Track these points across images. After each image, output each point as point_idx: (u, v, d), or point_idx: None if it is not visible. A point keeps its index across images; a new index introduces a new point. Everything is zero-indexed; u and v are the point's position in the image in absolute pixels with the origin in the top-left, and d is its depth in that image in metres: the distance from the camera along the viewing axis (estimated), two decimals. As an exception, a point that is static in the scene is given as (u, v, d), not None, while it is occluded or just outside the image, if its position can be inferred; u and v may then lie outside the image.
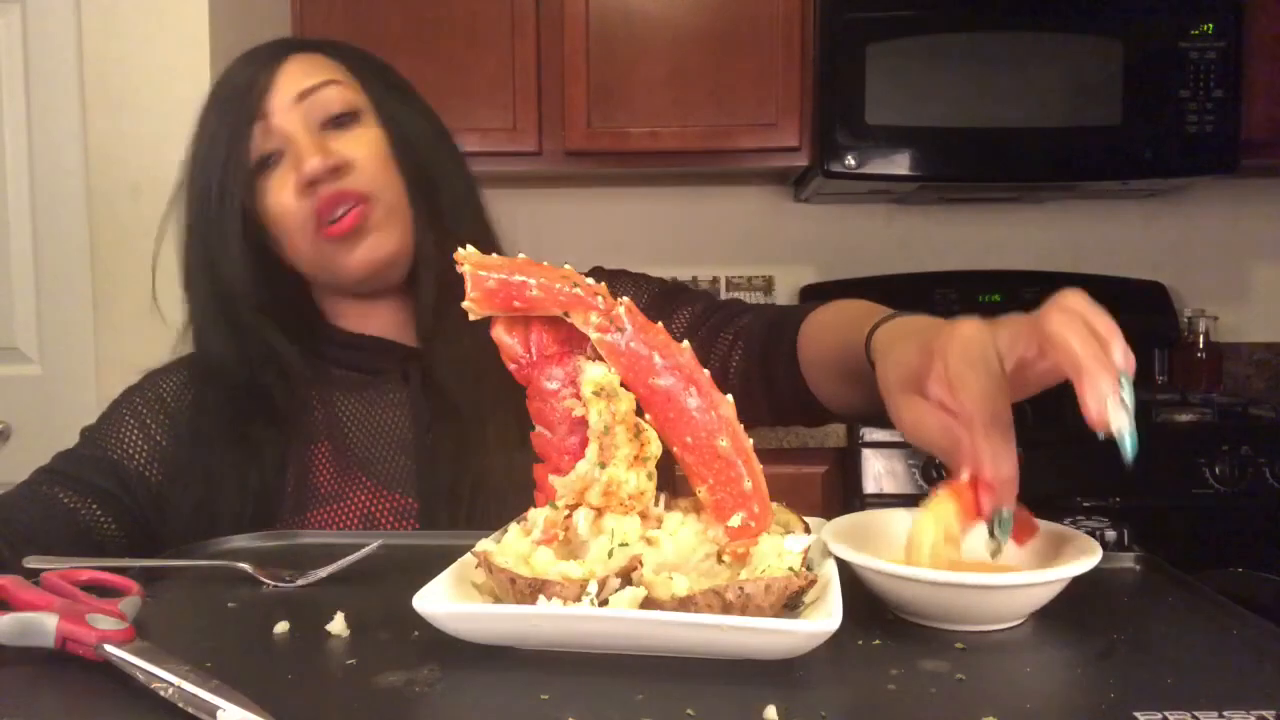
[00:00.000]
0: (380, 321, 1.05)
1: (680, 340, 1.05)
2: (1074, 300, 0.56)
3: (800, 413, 0.96)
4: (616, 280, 1.09)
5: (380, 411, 1.01)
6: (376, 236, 0.97)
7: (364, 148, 0.97)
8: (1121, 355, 0.53)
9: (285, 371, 0.99)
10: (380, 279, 1.00)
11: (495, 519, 0.68)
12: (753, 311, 1.04)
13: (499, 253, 1.06)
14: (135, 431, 0.98)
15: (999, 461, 0.56)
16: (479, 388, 0.96)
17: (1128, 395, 0.51)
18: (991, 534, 0.59)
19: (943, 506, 0.59)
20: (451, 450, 0.97)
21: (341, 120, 0.97)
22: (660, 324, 0.62)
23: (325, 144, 0.95)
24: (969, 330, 0.58)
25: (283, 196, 0.95)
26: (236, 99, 0.96)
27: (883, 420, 0.70)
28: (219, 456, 0.95)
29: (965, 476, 0.58)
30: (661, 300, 1.07)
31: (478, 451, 0.96)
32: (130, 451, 0.97)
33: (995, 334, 0.59)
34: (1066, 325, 0.54)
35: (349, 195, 0.95)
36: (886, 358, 0.68)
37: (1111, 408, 0.51)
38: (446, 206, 1.01)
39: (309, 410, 1.00)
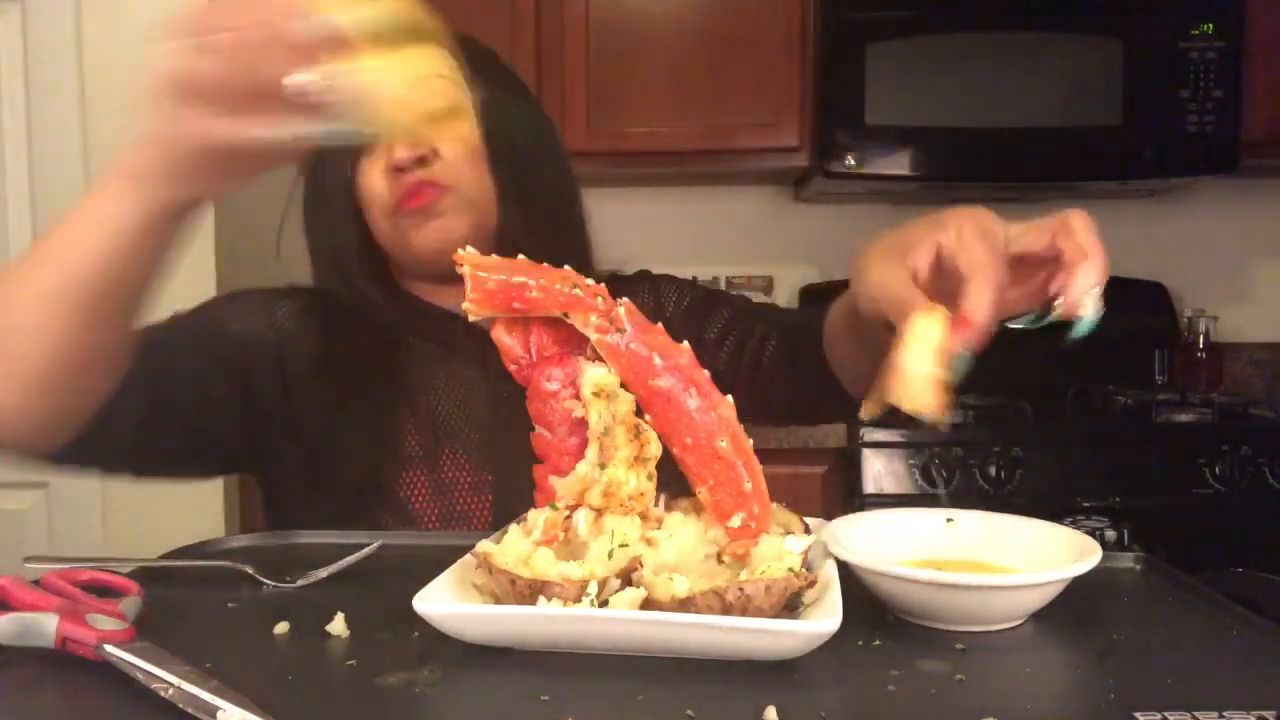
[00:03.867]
0: (455, 305, 1.07)
1: (720, 338, 1.10)
2: (1083, 217, 0.63)
3: (822, 394, 0.99)
4: (663, 283, 1.20)
5: (457, 387, 1.04)
6: (444, 221, 1.01)
7: (454, 141, 1.01)
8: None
9: (377, 328, 1.03)
10: (445, 261, 1.02)
11: None
12: (786, 311, 1.13)
13: (588, 257, 1.11)
14: (212, 311, 1.02)
15: (985, 308, 0.60)
16: None
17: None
18: (950, 366, 0.60)
19: (935, 320, 0.60)
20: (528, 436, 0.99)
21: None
22: (659, 326, 0.62)
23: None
24: (982, 210, 0.66)
25: (372, 176, 1.01)
26: None
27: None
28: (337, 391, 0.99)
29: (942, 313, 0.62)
30: (702, 301, 1.15)
31: None
32: (230, 324, 1.01)
33: (1007, 224, 0.65)
34: (1085, 222, 0.62)
35: (428, 184, 0.99)
36: (868, 247, 0.73)
37: (1091, 296, 0.60)
38: (541, 206, 1.07)
39: (392, 373, 1.03)
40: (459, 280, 1.03)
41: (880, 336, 0.81)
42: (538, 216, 1.05)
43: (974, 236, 0.63)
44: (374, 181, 1.01)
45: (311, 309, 1.07)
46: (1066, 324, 0.63)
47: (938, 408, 0.59)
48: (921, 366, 0.59)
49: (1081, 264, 0.60)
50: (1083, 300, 0.60)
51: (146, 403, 0.86)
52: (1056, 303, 0.61)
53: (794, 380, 1.02)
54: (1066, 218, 0.63)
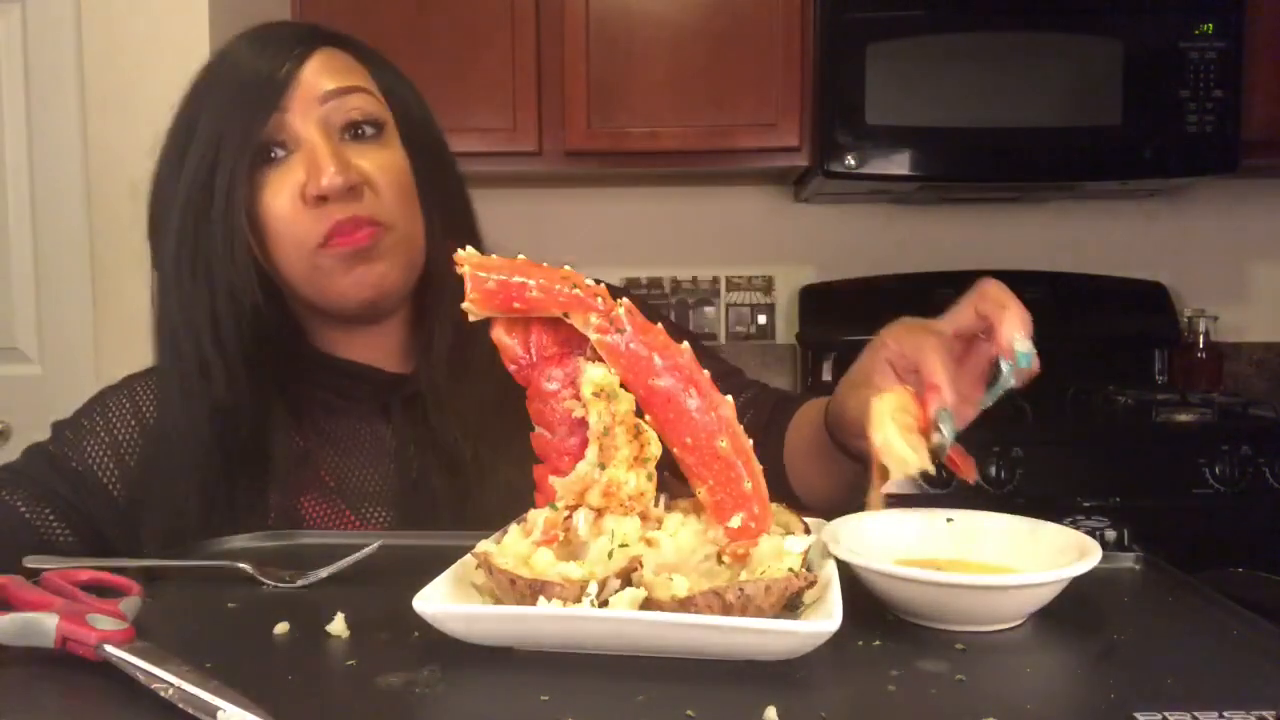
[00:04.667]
0: (360, 346, 0.98)
1: None
2: (995, 282, 0.70)
3: (774, 479, 0.99)
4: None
5: (360, 446, 0.96)
6: (384, 265, 0.90)
7: (385, 171, 0.91)
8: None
9: (263, 404, 0.91)
10: (372, 309, 0.94)
11: None
12: (758, 386, 1.07)
13: None
14: (103, 444, 0.94)
15: (938, 369, 0.67)
16: (481, 432, 0.92)
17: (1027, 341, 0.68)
18: (937, 428, 0.66)
19: (896, 394, 0.67)
20: (444, 492, 0.92)
21: (362, 131, 0.91)
22: (659, 326, 0.62)
23: (345, 157, 0.88)
24: (907, 318, 0.73)
25: (283, 199, 0.88)
26: (253, 87, 0.87)
27: (838, 504, 0.84)
28: (195, 485, 0.89)
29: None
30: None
31: (472, 494, 0.91)
32: (93, 465, 0.93)
33: (936, 320, 0.72)
34: (997, 285, 0.69)
35: (364, 221, 0.88)
36: (842, 382, 0.80)
37: (1018, 338, 0.66)
38: (460, 233, 0.96)
39: (288, 441, 0.93)
40: (372, 323, 0.96)
41: (850, 469, 0.85)
42: (460, 242, 0.96)
43: (908, 334, 0.71)
44: (287, 210, 0.87)
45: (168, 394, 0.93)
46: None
47: (920, 460, 0.64)
48: (886, 433, 0.65)
49: (1002, 314, 0.67)
50: (1011, 342, 0.66)
51: None
52: (999, 358, 0.68)
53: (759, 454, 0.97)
54: (981, 286, 0.69)
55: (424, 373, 0.96)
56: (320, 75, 0.90)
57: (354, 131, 0.91)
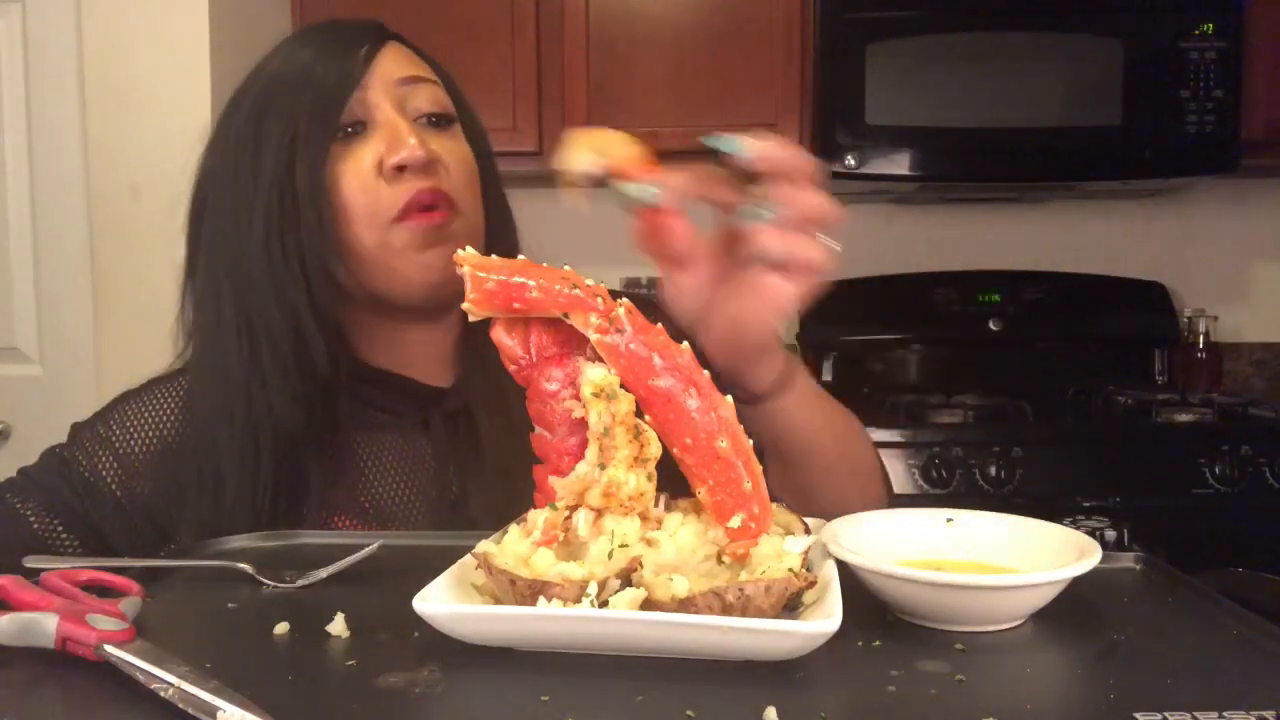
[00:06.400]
0: (405, 351, 0.97)
1: None
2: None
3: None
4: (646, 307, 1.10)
5: (398, 463, 0.94)
6: (449, 248, 0.90)
7: (456, 156, 0.93)
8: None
9: (305, 394, 0.88)
10: (434, 298, 0.92)
11: None
12: None
13: None
14: (118, 454, 0.93)
15: (683, 175, 0.71)
16: (521, 448, 0.92)
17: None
18: (645, 185, 0.71)
19: (621, 134, 0.72)
20: (483, 513, 0.90)
21: (435, 120, 0.93)
22: (659, 326, 0.62)
23: (423, 134, 0.90)
24: None
25: (360, 172, 0.88)
26: (332, 69, 0.89)
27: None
28: (244, 495, 0.87)
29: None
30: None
31: (514, 515, 0.91)
32: (106, 475, 0.92)
33: None
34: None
35: (441, 195, 0.89)
36: None
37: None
38: (507, 237, 1.00)
39: (322, 455, 0.91)
40: (422, 323, 0.95)
41: (795, 451, 0.83)
42: (510, 250, 0.95)
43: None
44: (362, 178, 0.88)
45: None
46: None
47: (574, 168, 0.69)
48: (579, 138, 0.69)
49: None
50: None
51: None
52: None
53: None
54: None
55: (472, 384, 0.94)
56: (394, 63, 0.93)
57: (427, 119, 0.93)
